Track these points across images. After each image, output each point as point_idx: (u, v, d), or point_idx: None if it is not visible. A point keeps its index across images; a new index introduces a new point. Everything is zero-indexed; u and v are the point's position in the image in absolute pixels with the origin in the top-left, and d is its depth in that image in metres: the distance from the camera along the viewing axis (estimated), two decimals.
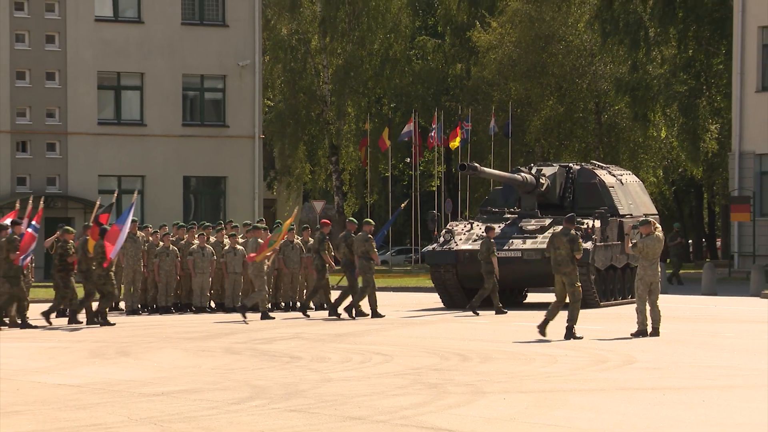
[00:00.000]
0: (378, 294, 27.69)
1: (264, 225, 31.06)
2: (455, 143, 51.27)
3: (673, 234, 42.01)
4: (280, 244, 27.84)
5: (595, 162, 35.44)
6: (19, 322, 25.21)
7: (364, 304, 27.38)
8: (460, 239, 30.20)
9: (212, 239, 29.95)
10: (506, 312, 27.85)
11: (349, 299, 27.64)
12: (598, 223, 30.11)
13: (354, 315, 27.20)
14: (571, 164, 33.06)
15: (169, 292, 29.22)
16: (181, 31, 48.06)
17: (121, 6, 47.75)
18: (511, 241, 29.67)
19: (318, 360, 18.59)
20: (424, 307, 30.17)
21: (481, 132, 53.61)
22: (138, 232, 29.10)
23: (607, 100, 52.90)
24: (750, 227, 42.40)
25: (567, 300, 21.90)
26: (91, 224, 26.59)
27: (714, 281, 36.14)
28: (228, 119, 49.00)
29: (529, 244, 29.58)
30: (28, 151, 46.45)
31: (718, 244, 63.55)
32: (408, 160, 56.17)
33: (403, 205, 32.03)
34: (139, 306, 29.14)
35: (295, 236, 30.24)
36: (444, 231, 31.17)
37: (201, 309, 29.09)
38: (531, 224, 30.13)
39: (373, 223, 28.09)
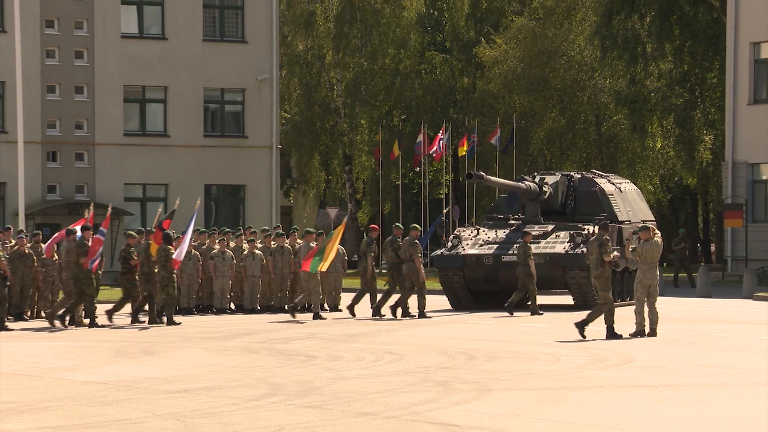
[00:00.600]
0: (390, 296, 27.68)
1: (280, 231, 31.10)
2: (463, 150, 51.31)
3: (678, 239, 42.09)
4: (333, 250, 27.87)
5: (595, 171, 35.40)
6: (87, 321, 25.43)
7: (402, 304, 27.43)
8: (467, 244, 30.18)
9: (232, 244, 29.98)
10: (542, 314, 27.80)
11: (387, 300, 27.60)
12: (597, 230, 30.06)
13: (399, 315, 27.13)
14: (572, 173, 33.03)
15: (191, 295, 29.24)
16: (203, 47, 48.11)
17: (145, 23, 47.82)
18: (515, 246, 29.65)
19: (332, 359, 18.59)
20: (432, 309, 30.14)
21: (487, 143, 53.58)
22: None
23: (606, 112, 52.84)
24: (743, 233, 42.31)
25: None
26: (153, 229, 26.70)
27: (708, 284, 36.07)
28: (247, 130, 49.03)
29: (532, 248, 29.53)
30: (57, 160, 46.51)
31: (713, 248, 63.42)
32: (417, 169, 56.11)
33: (445, 211, 31.91)
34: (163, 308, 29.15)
35: (312, 241, 30.22)
36: (452, 236, 31.16)
37: (221, 310, 29.11)
38: (534, 230, 30.10)
39: (419, 228, 28.19)
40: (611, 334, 21.47)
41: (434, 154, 51.44)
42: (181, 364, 18.47)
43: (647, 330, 21.63)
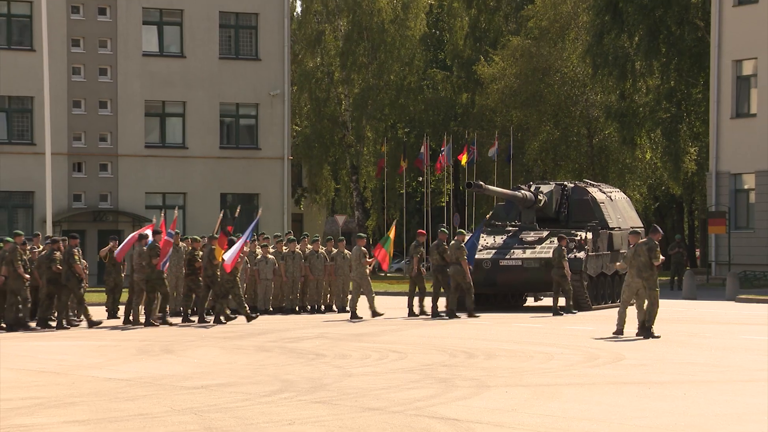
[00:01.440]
0: (394, 298, 27.67)
1: (292, 236, 31.07)
2: (464, 159, 51.35)
3: (673, 244, 42.12)
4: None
5: (587, 180, 35.37)
6: (156, 321, 25.72)
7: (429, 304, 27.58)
8: None
9: (246, 249, 29.96)
10: (575, 312, 27.88)
11: (438, 301, 27.66)
12: (590, 236, 30.06)
13: (449, 316, 27.14)
14: (565, 183, 33.01)
15: (208, 296, 29.20)
16: (219, 65, 48.14)
17: (165, 42, 47.88)
18: (512, 251, 29.62)
19: (340, 357, 18.57)
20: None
21: (485, 154, 53.60)
22: (180, 243, 29.11)
23: (597, 125, 52.83)
24: (726, 239, 42.28)
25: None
26: (217, 235, 26.84)
27: (694, 287, 36.04)
28: (260, 142, 49.05)
29: (528, 253, 29.53)
30: (83, 171, 46.55)
31: (697, 254, 63.34)
32: (420, 179, 56.12)
33: (487, 216, 31.87)
34: (182, 308, 29.12)
35: (320, 247, 30.24)
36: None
37: (236, 311, 29.09)
38: (530, 236, 30.08)
39: (465, 233, 28.22)
40: (649, 334, 21.38)
41: (437, 164, 51.40)
42: (199, 361, 18.46)
43: (636, 330, 21.58)
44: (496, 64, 53.69)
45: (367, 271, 27.65)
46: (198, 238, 27.27)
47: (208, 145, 48.05)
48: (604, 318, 27.24)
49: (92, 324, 25.32)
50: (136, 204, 46.93)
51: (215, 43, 48.00)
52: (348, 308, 28.58)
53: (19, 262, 24.76)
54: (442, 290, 27.62)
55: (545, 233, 30.16)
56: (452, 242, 27.53)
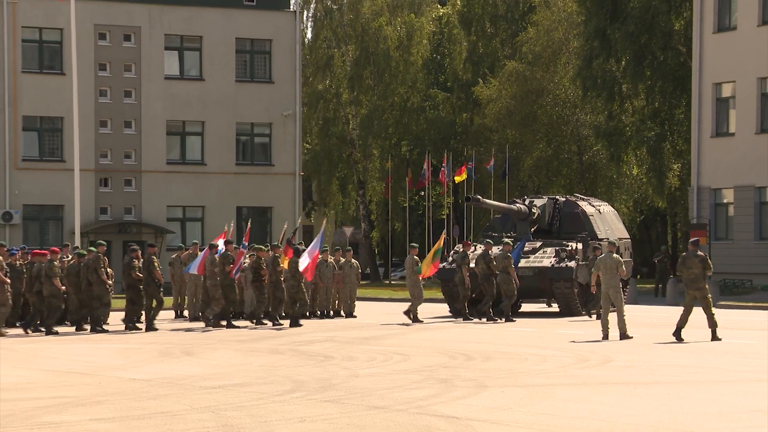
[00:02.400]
0: (395, 304, 27.63)
1: (303, 247, 31.01)
2: (461, 177, 51.29)
3: (658, 253, 42.14)
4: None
5: (577, 195, 35.33)
6: (224, 323, 25.95)
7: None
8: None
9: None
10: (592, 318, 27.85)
11: (489, 305, 27.72)
12: (580, 246, 30.00)
13: (488, 318, 27.22)
14: (557, 197, 32.96)
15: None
16: (235, 87, 48.20)
17: (186, 66, 47.95)
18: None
19: (348, 359, 18.52)
20: (436, 315, 30.09)
21: (483, 170, 53.57)
22: (198, 253, 29.08)
23: (587, 143, 52.79)
24: (706, 249, 42.16)
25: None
26: (281, 244, 27.15)
27: (677, 294, 35.93)
28: (273, 159, 49.07)
29: (523, 262, 29.46)
30: (109, 186, 46.58)
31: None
32: (422, 193, 56.07)
33: (532, 229, 31.92)
34: (200, 314, 29.08)
35: (329, 256, 30.19)
36: (452, 252, 31.09)
37: (250, 316, 29.08)
38: (525, 247, 30.03)
39: (511, 243, 28.20)
40: (715, 337, 21.38)
41: (439, 180, 51.35)
42: (216, 363, 18.42)
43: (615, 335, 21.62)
44: (493, 86, 53.69)
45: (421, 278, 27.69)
46: (262, 247, 27.46)
47: (225, 161, 48.07)
48: (594, 324, 27.19)
49: (150, 328, 25.40)
50: (158, 216, 46.95)
51: (232, 67, 48.06)
52: (355, 314, 28.48)
53: (102, 270, 25.09)
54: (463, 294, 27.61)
55: (538, 244, 30.12)
56: (500, 252, 27.54)
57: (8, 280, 24.49)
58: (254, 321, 26.71)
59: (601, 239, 31.09)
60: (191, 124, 47.89)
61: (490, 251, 27.69)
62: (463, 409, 12.72)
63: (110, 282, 25.43)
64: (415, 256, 27.91)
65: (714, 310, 21.67)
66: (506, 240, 28.20)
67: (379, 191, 59.31)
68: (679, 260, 22.06)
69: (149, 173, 46.89)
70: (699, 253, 21.72)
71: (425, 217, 56.79)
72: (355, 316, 29.26)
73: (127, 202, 46.70)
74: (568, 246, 29.77)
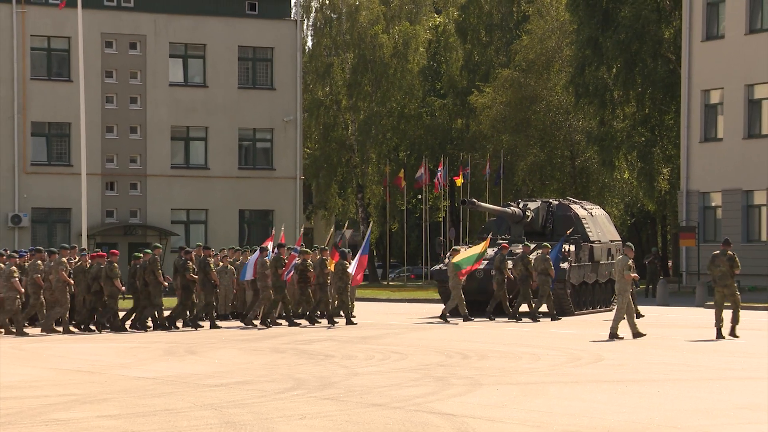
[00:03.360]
0: (395, 305, 27.63)
1: (303, 248, 30.99)
2: (459, 181, 51.30)
3: (649, 255, 42.14)
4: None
5: (570, 198, 35.32)
6: (283, 321, 26.30)
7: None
8: None
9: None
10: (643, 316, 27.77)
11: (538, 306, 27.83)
12: (572, 248, 29.99)
13: (535, 319, 27.28)
14: (551, 200, 32.95)
15: (227, 303, 29.18)
16: (238, 94, 48.19)
17: (190, 74, 47.93)
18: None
19: (347, 358, 18.52)
20: (432, 315, 30.08)
21: (478, 174, 53.56)
22: (202, 254, 29.05)
23: (579, 148, 52.79)
24: (695, 251, 42.21)
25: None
26: (328, 248, 27.47)
27: (666, 294, 35.98)
28: (275, 164, 49.06)
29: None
30: (115, 189, 46.56)
31: (670, 264, 63.24)
32: (420, 196, 56.04)
33: (568, 232, 31.99)
34: (204, 314, 29.06)
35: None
36: (449, 254, 31.07)
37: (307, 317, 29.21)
38: (519, 249, 30.02)
39: (550, 246, 28.29)
40: (733, 333, 21.40)
41: (435, 183, 51.33)
42: (219, 362, 18.41)
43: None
44: (488, 93, 53.68)
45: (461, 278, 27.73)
46: (308, 250, 27.57)
47: (228, 166, 48.06)
48: (586, 323, 27.21)
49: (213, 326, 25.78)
50: (162, 219, 46.94)
51: (235, 74, 48.06)
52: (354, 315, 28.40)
53: (159, 271, 25.35)
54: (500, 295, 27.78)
55: (532, 246, 30.10)
56: (539, 255, 27.66)
57: (71, 281, 24.84)
58: (310, 321, 26.81)
59: (593, 241, 31.10)
60: (195, 129, 47.87)
61: (528, 253, 27.85)
62: (458, 406, 12.73)
63: (165, 284, 25.72)
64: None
65: (739, 310, 21.67)
66: (545, 243, 28.42)
67: (378, 194, 59.32)
68: (709, 259, 22.08)
69: (154, 177, 46.87)
70: (729, 252, 21.72)
71: (422, 219, 56.76)
72: (354, 316, 29.21)
73: (132, 205, 46.68)
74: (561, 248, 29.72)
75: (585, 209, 32.43)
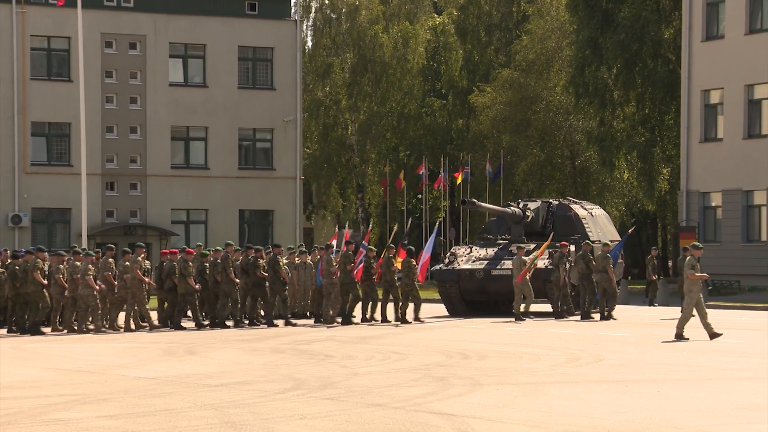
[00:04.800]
0: (392, 304, 27.62)
1: (303, 249, 30.99)
2: (459, 178, 51.29)
3: (650, 256, 42.19)
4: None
5: (570, 198, 35.32)
6: (369, 319, 26.68)
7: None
8: (462, 260, 30.09)
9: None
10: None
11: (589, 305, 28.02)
12: (573, 248, 30.00)
13: (608, 317, 27.48)
14: (551, 200, 32.96)
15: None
16: (238, 94, 48.19)
17: (189, 74, 47.93)
18: (503, 262, 29.56)
19: (347, 358, 18.52)
20: (432, 315, 30.08)
21: (478, 174, 53.55)
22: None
23: (579, 149, 52.79)
24: (658, 251, 42.14)
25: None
26: (392, 246, 27.61)
27: (667, 294, 35.96)
28: (275, 164, 49.06)
29: (517, 264, 29.42)
30: (115, 189, 46.56)
31: (670, 264, 63.26)
32: (420, 196, 56.04)
33: (630, 231, 32.02)
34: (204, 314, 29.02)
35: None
36: (449, 254, 31.09)
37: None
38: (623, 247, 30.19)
39: (609, 244, 28.55)
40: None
41: (435, 183, 51.33)
42: (219, 362, 18.41)
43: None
44: (488, 93, 53.68)
45: (528, 276, 27.76)
46: (372, 248, 27.82)
47: (228, 166, 48.06)
48: (586, 323, 27.19)
49: (270, 324, 26.19)
50: (162, 219, 46.94)
51: (235, 74, 48.06)
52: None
53: (231, 269, 25.66)
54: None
55: (532, 246, 30.11)
56: (599, 253, 27.91)
57: (147, 279, 25.32)
58: (364, 319, 26.96)
59: (593, 241, 31.11)
60: (195, 129, 47.87)
61: (588, 251, 28.06)
62: (459, 406, 12.73)
63: (237, 281, 25.94)
64: (523, 257, 28.02)
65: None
66: (606, 242, 28.61)
67: (377, 194, 59.33)
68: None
69: (154, 177, 46.87)
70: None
71: (422, 219, 56.77)
72: (354, 316, 29.19)
73: (132, 205, 46.68)
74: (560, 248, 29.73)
75: (585, 209, 32.43)
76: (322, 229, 66.31)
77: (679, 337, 21.34)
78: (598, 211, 33.54)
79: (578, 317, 28.93)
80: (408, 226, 30.87)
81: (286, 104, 48.81)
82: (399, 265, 26.95)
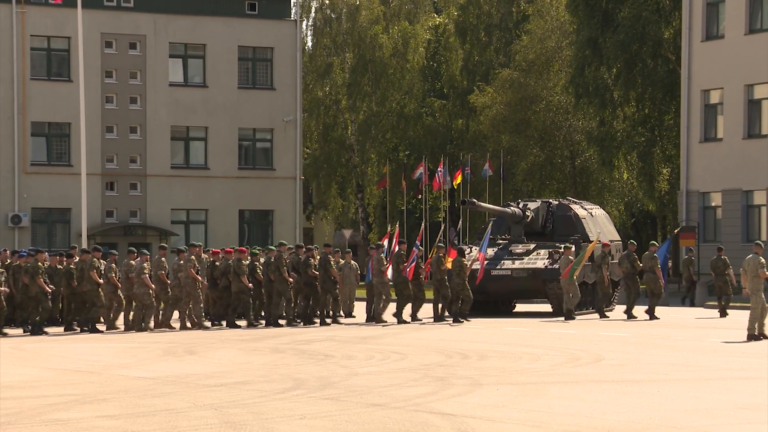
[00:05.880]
0: (394, 305, 27.61)
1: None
2: (457, 181, 51.25)
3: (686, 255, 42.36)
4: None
5: (570, 198, 35.30)
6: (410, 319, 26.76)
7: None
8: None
9: (262, 260, 29.79)
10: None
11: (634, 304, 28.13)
12: (573, 248, 29.97)
13: (653, 317, 27.64)
14: (550, 200, 32.94)
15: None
16: (238, 94, 48.19)
17: (189, 74, 47.94)
18: (502, 261, 29.56)
19: (347, 358, 18.52)
20: (432, 315, 30.04)
21: (478, 174, 53.55)
22: (203, 255, 29.02)
23: (579, 149, 52.78)
24: (695, 251, 42.21)
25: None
26: (441, 245, 27.80)
27: (666, 294, 35.89)
28: (275, 164, 49.06)
29: (517, 264, 29.46)
30: (115, 189, 46.56)
31: (670, 264, 63.28)
32: (420, 196, 56.03)
33: (675, 231, 32.08)
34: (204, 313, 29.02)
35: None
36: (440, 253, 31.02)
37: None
38: (519, 248, 30.04)
39: (657, 244, 28.80)
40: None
41: (434, 183, 51.28)
42: (219, 362, 18.41)
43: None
44: (488, 93, 53.67)
45: (575, 277, 27.97)
46: (420, 247, 27.89)
47: (228, 166, 48.06)
48: (586, 323, 27.20)
49: (336, 321, 26.73)
50: (162, 219, 46.93)
51: (234, 74, 48.06)
52: (354, 314, 28.40)
53: (284, 268, 26.08)
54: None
55: (532, 246, 30.12)
56: (646, 252, 28.21)
57: (200, 278, 25.59)
58: (400, 320, 26.94)
59: (593, 241, 31.09)
60: (195, 129, 47.87)
61: (633, 252, 28.20)
62: (458, 406, 12.72)
63: (291, 280, 26.24)
64: (570, 257, 28.12)
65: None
66: (653, 242, 28.88)
67: (377, 194, 59.33)
68: (744, 264, 22.19)
69: (154, 177, 46.87)
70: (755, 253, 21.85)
71: (422, 219, 56.77)
72: (354, 317, 29.22)
73: (132, 205, 46.68)
74: (561, 248, 29.74)
75: (585, 209, 32.42)
76: (322, 229, 66.30)
77: (755, 337, 21.24)
78: (598, 211, 33.53)
79: (580, 317, 28.92)
80: (457, 226, 31.06)
81: (286, 104, 48.81)
82: (449, 265, 27.06)
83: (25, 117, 45.14)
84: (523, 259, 29.59)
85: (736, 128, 42.09)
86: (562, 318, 27.68)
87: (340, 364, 17.48)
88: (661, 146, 48.27)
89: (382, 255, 27.00)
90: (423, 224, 31.29)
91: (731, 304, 31.40)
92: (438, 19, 61.61)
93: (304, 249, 27.07)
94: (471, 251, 30.39)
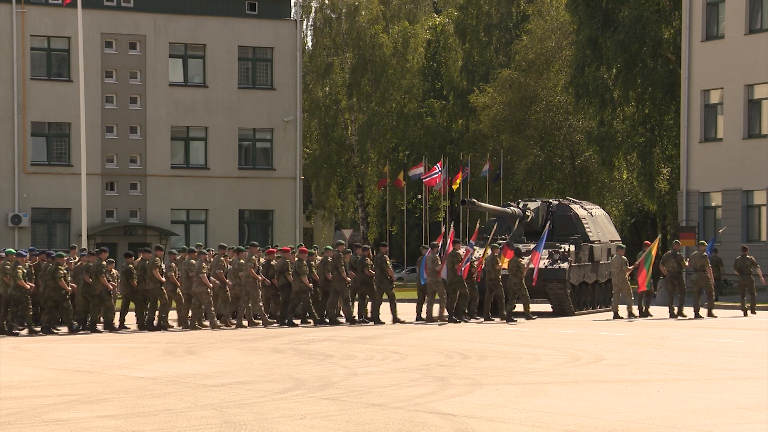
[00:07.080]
0: (396, 304, 27.64)
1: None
2: (456, 185, 51.21)
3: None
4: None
5: (570, 198, 35.31)
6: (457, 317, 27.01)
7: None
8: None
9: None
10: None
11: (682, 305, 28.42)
12: (572, 248, 29.99)
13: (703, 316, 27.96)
14: (550, 200, 32.93)
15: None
16: (238, 93, 48.20)
17: (189, 73, 47.94)
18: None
19: (347, 358, 18.52)
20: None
21: (479, 174, 53.56)
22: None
23: (579, 148, 52.80)
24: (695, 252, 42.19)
25: None
26: (497, 245, 27.92)
27: (666, 294, 35.86)
28: (275, 164, 49.06)
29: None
30: (115, 189, 46.56)
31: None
32: (420, 196, 56.02)
33: (720, 231, 32.07)
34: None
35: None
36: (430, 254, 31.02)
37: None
38: (519, 248, 30.01)
39: (705, 243, 28.96)
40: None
41: (437, 187, 51.27)
42: (219, 362, 18.41)
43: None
44: (488, 93, 53.69)
45: (627, 275, 28.12)
46: (475, 245, 28.04)
47: (228, 165, 48.07)
48: (586, 323, 27.21)
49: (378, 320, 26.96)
50: (162, 219, 46.94)
51: (234, 74, 48.06)
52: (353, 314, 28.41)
53: (342, 267, 26.46)
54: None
55: (532, 245, 30.10)
56: (695, 252, 28.45)
57: (261, 277, 25.77)
58: (451, 319, 27.04)
59: (593, 241, 31.10)
60: (195, 129, 47.88)
61: (678, 250, 28.48)
62: (458, 406, 12.73)
63: (348, 279, 26.58)
64: (623, 256, 28.28)
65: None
66: (702, 241, 28.87)
67: (377, 194, 59.32)
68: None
69: (154, 177, 46.87)
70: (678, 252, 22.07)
71: (422, 219, 56.74)
72: (355, 317, 29.17)
73: (132, 205, 46.68)
74: (561, 248, 29.76)
75: (585, 209, 32.42)
76: (322, 230, 66.29)
77: None
78: (598, 211, 33.52)
79: (580, 317, 28.92)
80: (517, 225, 30.96)
81: (286, 104, 48.81)
82: (505, 265, 27.09)
83: (25, 117, 45.15)
84: (523, 259, 29.58)
85: (736, 128, 42.10)
86: (626, 316, 27.73)
87: (340, 364, 17.48)
88: (661, 146, 48.26)
89: (436, 255, 27.00)
90: (451, 226, 31.42)
91: (734, 304, 31.46)
92: (438, 19, 61.62)
93: (361, 249, 27.40)
94: (474, 250, 30.37)
